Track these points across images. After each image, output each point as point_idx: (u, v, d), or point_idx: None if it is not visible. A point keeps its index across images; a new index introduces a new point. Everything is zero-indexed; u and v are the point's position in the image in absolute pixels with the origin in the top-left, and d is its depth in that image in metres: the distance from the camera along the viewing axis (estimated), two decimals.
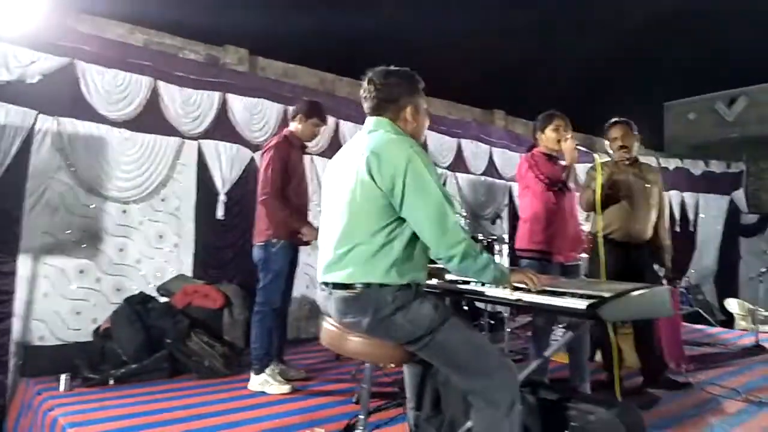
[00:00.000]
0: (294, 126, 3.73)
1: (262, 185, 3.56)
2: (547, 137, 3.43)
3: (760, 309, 5.74)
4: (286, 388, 3.54)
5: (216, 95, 5.09)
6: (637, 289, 1.87)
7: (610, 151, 3.82)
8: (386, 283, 1.84)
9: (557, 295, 1.88)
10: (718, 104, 10.72)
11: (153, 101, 4.73)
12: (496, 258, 5.25)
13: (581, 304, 1.74)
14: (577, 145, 3.31)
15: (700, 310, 7.55)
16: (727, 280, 9.45)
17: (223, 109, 5.14)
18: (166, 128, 4.80)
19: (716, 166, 9.74)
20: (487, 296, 2.10)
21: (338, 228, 1.93)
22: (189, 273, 4.85)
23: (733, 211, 9.72)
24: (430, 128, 6.95)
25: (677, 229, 9.08)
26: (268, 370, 3.58)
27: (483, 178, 7.33)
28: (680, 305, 7.63)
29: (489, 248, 5.15)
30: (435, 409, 2.24)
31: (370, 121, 2.06)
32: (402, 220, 1.86)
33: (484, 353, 1.87)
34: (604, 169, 3.63)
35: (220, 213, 5.07)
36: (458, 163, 7.08)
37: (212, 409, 3.22)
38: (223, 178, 5.11)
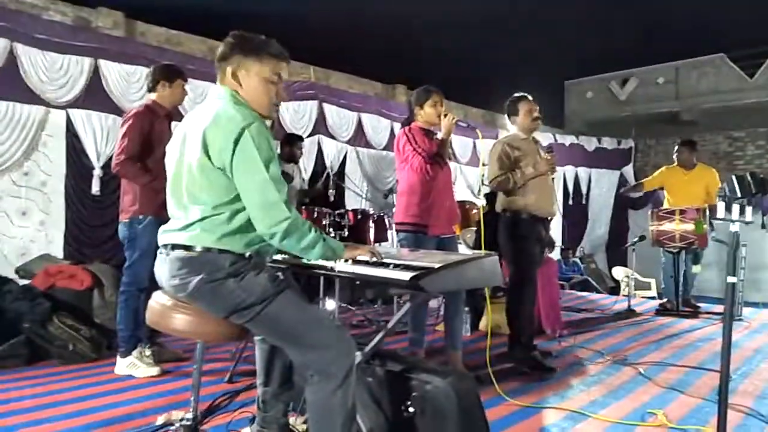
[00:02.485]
0: (157, 95, 3.49)
1: (116, 153, 3.30)
2: (427, 113, 3.44)
3: (635, 275, 6.15)
4: (154, 370, 3.38)
5: (87, 61, 4.72)
6: (468, 260, 1.90)
7: (516, 126, 3.75)
8: (226, 249, 1.82)
9: (387, 267, 1.87)
10: (612, 84, 11.30)
11: (11, 66, 4.32)
12: (388, 233, 5.27)
13: (405, 276, 1.74)
14: (457, 121, 3.36)
15: (589, 278, 8.02)
16: (616, 250, 10.10)
17: (95, 76, 4.78)
18: (27, 95, 4.41)
19: (608, 143, 10.31)
20: (313, 270, 2.10)
21: (182, 198, 1.88)
22: (59, 252, 4.53)
23: (623, 185, 10.35)
24: (331, 102, 6.89)
25: (570, 202, 9.57)
26: (135, 353, 3.42)
27: (385, 152, 7.33)
28: (571, 273, 8.07)
29: (380, 222, 5.16)
30: (285, 385, 2.21)
31: (214, 90, 1.97)
32: None
33: (319, 326, 1.84)
34: (517, 144, 3.68)
35: (95, 188, 4.76)
36: (359, 138, 7.05)
37: (72, 395, 3.03)
38: (98, 150, 4.78)
